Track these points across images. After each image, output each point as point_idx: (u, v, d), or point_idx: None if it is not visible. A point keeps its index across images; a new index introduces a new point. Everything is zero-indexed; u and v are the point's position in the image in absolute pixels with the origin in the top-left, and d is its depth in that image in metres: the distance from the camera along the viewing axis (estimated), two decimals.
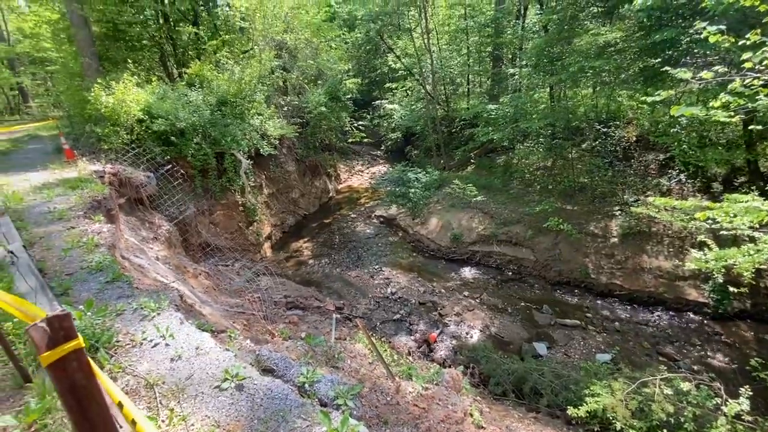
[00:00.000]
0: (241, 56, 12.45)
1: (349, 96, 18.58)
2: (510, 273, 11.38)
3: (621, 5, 7.24)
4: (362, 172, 25.46)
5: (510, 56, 20.10)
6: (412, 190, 13.53)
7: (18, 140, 14.07)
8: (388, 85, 24.39)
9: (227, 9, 13.46)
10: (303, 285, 11.48)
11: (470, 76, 22.43)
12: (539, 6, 12.76)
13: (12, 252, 3.85)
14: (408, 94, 25.50)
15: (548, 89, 14.22)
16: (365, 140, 27.16)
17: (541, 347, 8.11)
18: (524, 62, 10.21)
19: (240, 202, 12.60)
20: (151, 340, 2.77)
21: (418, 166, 17.77)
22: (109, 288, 3.45)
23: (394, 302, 10.22)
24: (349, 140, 24.66)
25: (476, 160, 19.06)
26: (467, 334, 8.81)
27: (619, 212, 11.36)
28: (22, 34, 30.89)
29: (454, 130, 21.26)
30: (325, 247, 14.16)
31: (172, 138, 10.51)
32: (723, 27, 3.62)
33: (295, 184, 16.86)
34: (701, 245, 8.67)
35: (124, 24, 13.11)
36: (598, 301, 9.75)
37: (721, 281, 8.00)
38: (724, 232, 4.56)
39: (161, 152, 10.21)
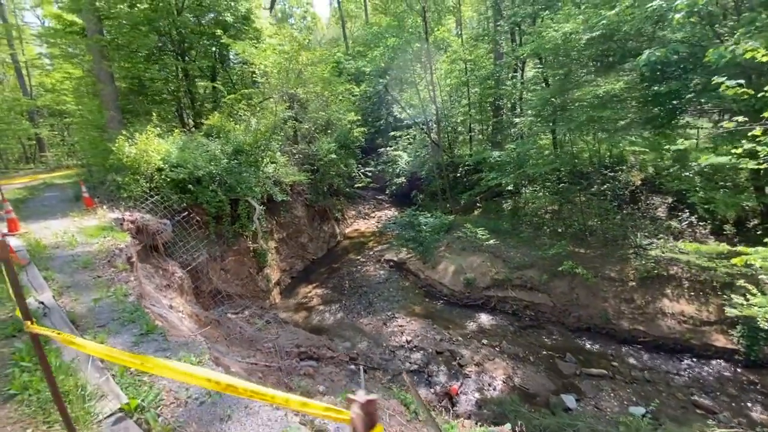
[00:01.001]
0: (258, 108, 13.01)
1: (357, 144, 19.19)
2: (527, 319, 11.08)
3: (623, 61, 7.72)
4: (368, 216, 25.67)
5: (509, 105, 21.01)
6: (423, 234, 13.52)
7: (35, 188, 14.36)
8: (393, 133, 25.30)
9: (244, 66, 14.27)
10: (314, 333, 11.14)
11: (471, 125, 23.32)
12: (539, 60, 13.50)
13: (43, 303, 3.78)
14: (412, 142, 26.41)
15: (551, 136, 14.73)
16: (371, 185, 27.74)
17: (570, 400, 7.70)
18: (529, 111, 10.63)
19: (251, 248, 12.58)
20: (196, 398, 2.64)
21: (425, 210, 17.97)
22: (144, 341, 3.34)
23: (410, 351, 9.86)
24: (356, 185, 25.18)
25: (482, 204, 19.28)
26: (489, 385, 8.40)
27: (634, 255, 11.30)
28: (44, 89, 32.62)
29: (458, 175, 21.76)
30: (335, 293, 13.91)
31: (189, 186, 10.72)
32: (742, 81, 3.82)
33: (304, 229, 16.92)
34: (726, 289, 8.54)
35: (148, 80, 13.89)
36: (623, 348, 9.41)
37: (753, 326, 7.76)
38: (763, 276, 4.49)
39: (178, 199, 10.36)
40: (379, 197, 29.45)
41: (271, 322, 11.50)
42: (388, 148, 27.80)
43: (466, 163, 21.31)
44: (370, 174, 23.89)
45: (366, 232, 21.75)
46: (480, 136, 24.61)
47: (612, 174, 13.73)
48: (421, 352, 9.80)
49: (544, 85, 13.90)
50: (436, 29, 16.23)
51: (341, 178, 20.71)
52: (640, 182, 14.85)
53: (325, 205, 18.81)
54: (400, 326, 11.08)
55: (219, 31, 12.30)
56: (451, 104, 21.62)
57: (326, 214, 19.11)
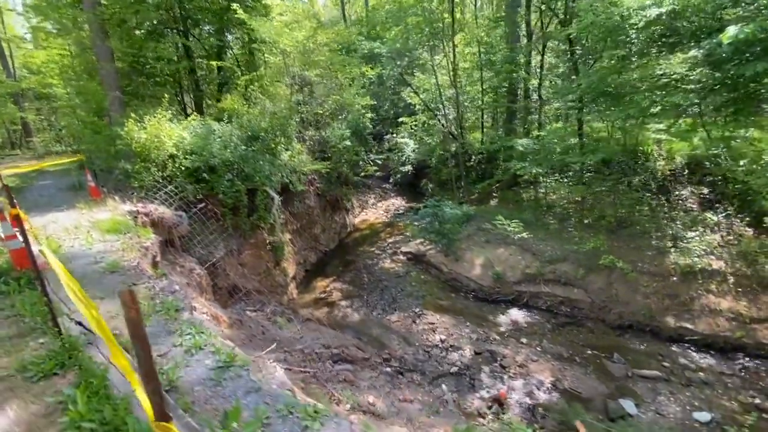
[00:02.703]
0: (271, 90, 12.08)
1: (368, 131, 18.36)
2: (564, 316, 10.60)
3: (694, 40, 7.03)
4: (376, 205, 24.92)
5: (524, 91, 20.24)
6: (447, 226, 12.89)
7: (27, 175, 13.30)
8: (401, 119, 24.41)
9: (254, 45, 13.25)
10: (339, 331, 10.52)
11: (484, 111, 22.57)
12: (569, 43, 12.74)
13: (82, 324, 3.04)
14: (420, 128, 25.56)
15: (583, 123, 14.06)
16: (375, 174, 26.94)
17: (629, 405, 7.24)
18: (569, 96, 9.93)
19: (268, 241, 11.82)
20: None
21: (434, 199, 17.34)
22: (226, 377, 2.65)
23: (446, 351, 9.31)
24: (361, 174, 24.35)
25: (498, 194, 18.70)
26: (538, 388, 7.90)
27: (673, 248, 10.83)
28: (28, 70, 30.85)
29: (470, 164, 21.08)
30: (354, 287, 13.27)
31: (204, 174, 9.86)
32: None
33: (317, 220, 16.17)
34: None
35: (151, 60, 12.82)
36: (672, 347, 8.97)
37: None
38: None
39: (193, 190, 9.52)
40: (384, 186, 28.65)
41: (292, 320, 10.84)
42: (393, 135, 26.98)
43: (481, 150, 20.66)
44: (379, 162, 23.07)
45: (375, 223, 21.06)
46: (492, 123, 23.91)
47: (644, 164, 13.19)
48: (458, 352, 9.26)
49: (572, 70, 13.19)
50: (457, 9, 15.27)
51: (350, 166, 19.90)
52: (668, 172, 14.36)
53: (337, 194, 18.02)
54: (431, 323, 10.51)
55: (235, 5, 11.23)
56: (463, 89, 20.78)
57: (337, 203, 18.35)
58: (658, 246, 11.33)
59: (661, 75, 8.26)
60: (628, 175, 12.71)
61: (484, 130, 23.06)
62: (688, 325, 9.21)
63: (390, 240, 17.70)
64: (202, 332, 3.18)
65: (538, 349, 9.20)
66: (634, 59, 8.24)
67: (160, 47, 11.56)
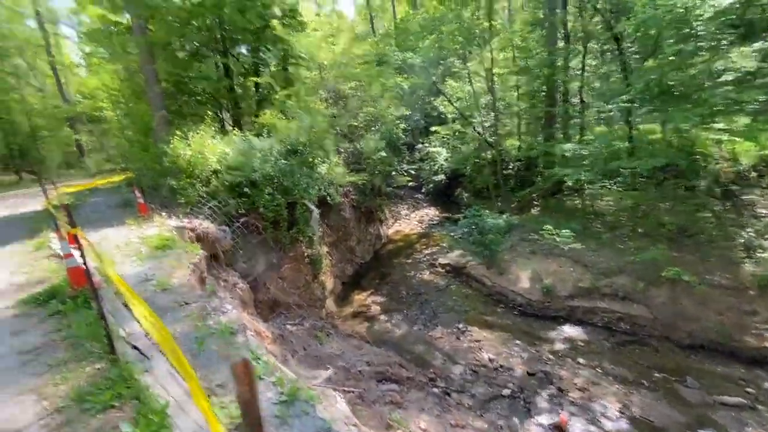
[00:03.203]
0: (307, 104, 12.15)
1: (402, 141, 18.17)
2: (623, 333, 9.75)
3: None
4: (409, 216, 24.59)
5: (562, 95, 19.40)
6: (489, 236, 12.33)
7: (80, 194, 13.99)
8: (433, 128, 24.08)
9: (292, 60, 13.45)
10: (380, 347, 10.18)
11: (521, 116, 21.86)
12: (616, 44, 12.01)
13: (139, 349, 2.89)
14: (453, 137, 25.10)
15: (626, 125, 13.20)
16: (409, 183, 26.62)
17: None
18: (623, 97, 9.24)
19: (307, 254, 11.74)
20: None
21: (473, 209, 16.76)
22: (292, 414, 2.39)
23: (496, 372, 8.73)
24: (394, 185, 24.13)
25: (540, 202, 17.88)
26: (603, 416, 7.18)
27: (748, 259, 9.78)
28: (81, 95, 33.21)
29: (508, 172, 20.37)
30: (392, 301, 12.92)
31: (246, 189, 9.93)
32: None
33: (352, 232, 16.03)
34: None
35: (193, 79, 13.27)
36: (754, 371, 7.97)
37: None
38: None
39: (236, 204, 9.59)
40: (416, 196, 28.28)
41: (332, 335, 10.62)
42: (425, 145, 26.65)
43: (519, 157, 19.95)
44: (412, 172, 22.79)
45: (410, 234, 20.69)
46: (527, 129, 23.12)
47: (704, 167, 12.15)
48: (509, 372, 8.66)
49: (620, 71, 12.44)
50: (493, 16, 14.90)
51: (383, 177, 19.73)
52: (733, 175, 13.17)
53: (371, 205, 17.86)
54: (476, 341, 9.96)
55: (275, 22, 11.44)
56: (500, 95, 20.24)
57: (372, 215, 18.17)
58: (729, 256, 10.30)
59: (731, 70, 7.50)
60: (689, 179, 11.71)
61: (521, 136, 22.33)
62: None
63: (426, 251, 17.28)
64: (260, 358, 2.96)
65: (599, 370, 8.44)
66: (701, 53, 7.52)
67: (202, 67, 11.92)
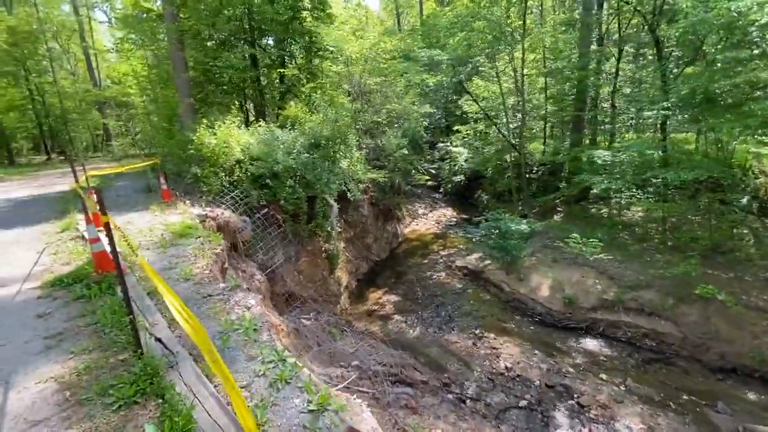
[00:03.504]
0: (333, 97, 12.03)
1: (425, 140, 17.90)
2: (649, 351, 9.34)
3: None
4: (426, 216, 24.31)
5: (593, 99, 18.78)
6: (512, 242, 12.01)
7: (106, 176, 14.24)
8: (456, 128, 23.71)
9: (319, 53, 13.34)
10: (393, 347, 10.01)
11: (548, 119, 21.32)
12: (656, 48, 11.45)
13: (162, 341, 2.79)
14: (476, 137, 24.68)
15: (660, 133, 12.64)
16: (427, 183, 26.35)
17: None
18: (664, 104, 8.79)
19: (324, 249, 11.66)
20: None
21: (495, 213, 16.42)
22: (321, 426, 2.24)
23: (513, 382, 8.47)
24: (413, 183, 23.92)
25: (564, 209, 17.40)
26: None
27: None
28: (111, 80, 34.04)
29: (531, 175, 19.91)
30: (407, 301, 12.74)
31: (268, 181, 9.88)
32: None
33: (370, 229, 15.91)
34: None
35: (221, 68, 13.30)
36: None
37: None
38: None
39: (257, 195, 9.55)
40: (433, 196, 27.98)
41: (346, 332, 10.53)
42: (446, 144, 26.30)
43: (544, 162, 19.45)
44: (432, 171, 22.48)
45: (426, 234, 20.43)
46: (551, 133, 22.54)
47: (742, 180, 11.55)
48: (527, 383, 8.39)
49: (659, 77, 11.87)
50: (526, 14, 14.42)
51: (403, 175, 19.53)
52: None
53: (390, 203, 17.69)
54: (494, 348, 9.70)
55: (304, 14, 11.36)
56: (528, 97, 19.76)
57: (390, 213, 18.00)
58: (766, 277, 9.75)
59: None
60: (726, 192, 11.13)
61: (546, 140, 21.79)
62: None
63: (443, 253, 17.02)
64: (285, 360, 2.82)
65: (622, 388, 8.09)
66: (755, 62, 7.05)
67: (231, 57, 11.93)
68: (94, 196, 8.20)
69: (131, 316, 2.68)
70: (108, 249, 4.46)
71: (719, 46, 7.26)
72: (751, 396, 7.79)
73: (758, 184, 12.66)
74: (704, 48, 9.20)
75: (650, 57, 16.61)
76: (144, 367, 2.51)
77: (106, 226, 2.43)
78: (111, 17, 33.47)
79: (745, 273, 10.09)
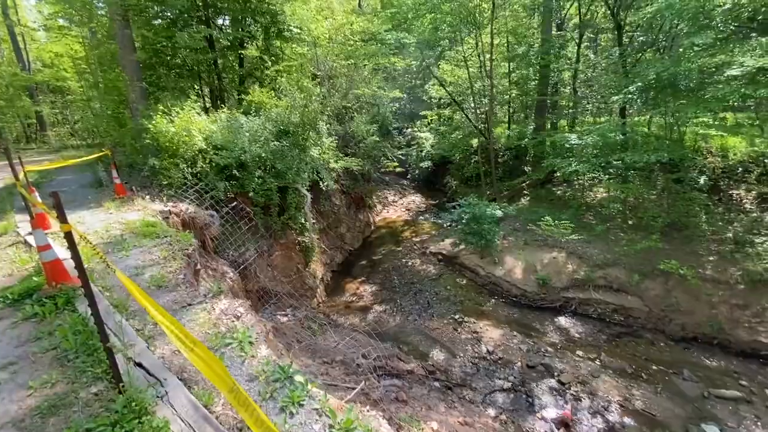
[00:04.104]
0: (303, 81, 11.38)
1: (394, 126, 17.59)
2: (618, 325, 9.84)
3: None
4: (396, 203, 24.20)
5: (553, 84, 19.25)
6: (486, 226, 12.13)
7: (46, 170, 12.78)
8: (423, 113, 23.57)
9: (282, 32, 12.49)
10: (376, 339, 9.87)
11: (512, 104, 21.69)
12: (617, 33, 11.78)
13: (145, 368, 2.38)
14: (442, 123, 24.72)
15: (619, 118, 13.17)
16: (396, 169, 26.14)
17: (714, 431, 6.48)
18: (630, 88, 9.05)
19: (298, 241, 11.19)
20: None
21: (469, 198, 16.59)
22: None
23: (495, 364, 8.61)
24: (381, 170, 23.62)
25: (531, 192, 17.86)
26: (606, 409, 7.18)
27: (739, 254, 9.99)
28: (42, 63, 30.55)
29: (499, 160, 20.24)
30: (385, 290, 12.60)
31: (235, 171, 9.22)
32: None
33: (343, 218, 15.52)
34: None
35: (173, 49, 12.18)
36: (747, 365, 8.17)
37: None
38: None
39: (224, 187, 8.88)
40: (401, 182, 27.92)
41: (325, 326, 10.24)
42: (414, 130, 26.18)
43: (510, 146, 19.81)
44: (400, 157, 22.27)
45: (398, 221, 20.34)
46: (518, 117, 23.01)
47: (693, 161, 12.29)
48: (509, 365, 8.56)
49: (620, 63, 12.26)
50: None
51: (372, 162, 19.17)
52: (720, 171, 13.42)
53: (361, 191, 17.33)
54: (474, 332, 9.81)
55: None
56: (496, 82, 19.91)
57: (362, 201, 17.67)
58: (719, 251, 10.49)
59: (742, 64, 7.38)
60: (681, 172, 11.80)
61: (510, 125, 22.20)
62: (765, 340, 8.40)
63: (416, 239, 17.01)
64: (293, 378, 2.51)
65: (597, 363, 8.46)
66: (717, 46, 7.36)
67: (185, 36, 10.88)
68: (37, 194, 7.23)
69: (103, 336, 2.25)
70: (61, 256, 3.87)
71: (684, 32, 7.50)
72: (711, 362, 8.40)
73: (706, 163, 13.54)
74: (669, 33, 9.53)
75: (607, 42, 17.25)
76: (127, 403, 2.09)
77: (68, 236, 1.98)
78: None
79: (699, 248, 10.80)
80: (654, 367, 8.27)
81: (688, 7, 6.99)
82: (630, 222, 12.94)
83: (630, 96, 9.29)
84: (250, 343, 2.88)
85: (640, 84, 9.08)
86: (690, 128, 12.56)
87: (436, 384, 7.95)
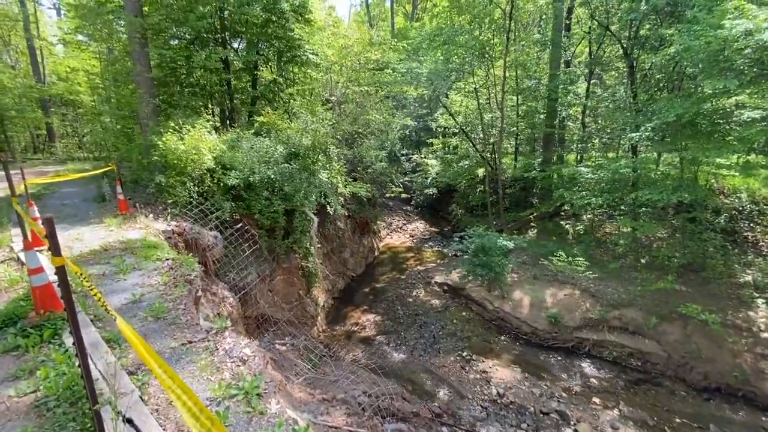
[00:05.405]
0: (315, 105, 11.35)
1: (402, 152, 17.56)
2: (635, 371, 9.31)
3: None
4: (400, 229, 23.90)
5: (560, 119, 19.35)
6: (495, 258, 11.78)
7: (46, 184, 12.58)
8: (431, 141, 23.68)
9: (296, 57, 12.61)
10: (378, 375, 9.33)
11: (519, 137, 21.78)
12: (629, 72, 11.86)
13: (135, 425, 2.01)
14: (449, 151, 24.80)
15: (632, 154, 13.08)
16: (401, 195, 26.02)
17: None
18: (648, 125, 8.95)
19: (301, 266, 10.82)
20: None
21: (465, 227, 16.28)
22: None
23: (507, 410, 8.05)
24: (386, 195, 23.48)
25: (538, 224, 17.60)
26: None
27: (760, 299, 9.58)
28: (57, 77, 31.09)
29: (505, 191, 20.10)
30: (388, 321, 12.11)
31: (242, 192, 8.99)
32: None
33: (347, 243, 15.19)
34: None
35: (188, 69, 12.24)
36: None
37: None
38: None
39: (230, 208, 8.62)
40: (405, 208, 27.73)
41: (325, 358, 9.73)
42: (421, 156, 26.22)
43: (516, 177, 19.72)
44: (409, 183, 22.16)
45: (401, 248, 19.98)
46: (525, 149, 23.08)
47: (705, 201, 12.07)
48: (520, 411, 7.99)
49: (631, 99, 12.29)
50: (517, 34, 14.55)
51: (379, 187, 19.03)
52: (732, 211, 13.18)
53: (367, 216, 17.08)
54: (483, 372, 9.27)
55: (284, 15, 10.61)
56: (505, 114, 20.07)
57: (367, 226, 17.38)
58: (739, 295, 10.09)
59: (761, 108, 7.28)
60: (698, 212, 11.54)
61: (517, 156, 22.23)
62: None
63: (420, 268, 16.61)
64: None
65: (616, 412, 7.90)
66: (738, 90, 7.26)
67: (204, 57, 10.95)
68: (35, 208, 6.95)
69: (89, 384, 1.90)
70: (53, 279, 3.53)
71: (703, 74, 7.44)
72: (737, 416, 7.85)
73: (721, 203, 13.32)
74: (683, 72, 9.53)
75: (614, 79, 17.46)
76: None
77: (60, 270, 1.67)
78: (58, 6, 30.70)
79: (716, 291, 10.40)
80: (677, 420, 7.71)
81: (708, 50, 6.95)
82: (643, 260, 12.58)
83: (648, 134, 9.16)
84: (258, 395, 2.51)
85: (657, 122, 8.97)
86: (703, 168, 12.44)
87: (444, 430, 7.39)
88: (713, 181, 13.83)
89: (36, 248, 4.51)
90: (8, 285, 4.27)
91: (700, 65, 7.58)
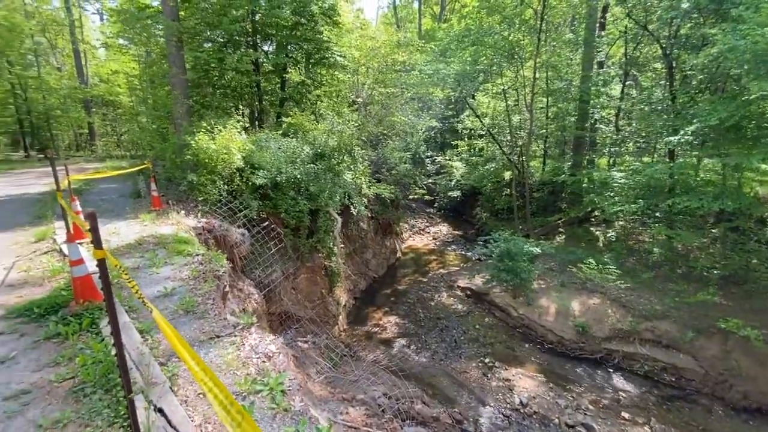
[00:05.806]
0: (342, 107, 11.47)
1: (426, 154, 17.46)
2: (668, 386, 8.85)
3: None
4: (422, 231, 23.77)
5: (593, 120, 18.71)
6: (522, 264, 11.50)
7: (89, 179, 13.26)
8: (456, 142, 23.44)
9: (324, 59, 12.78)
10: (396, 376, 9.28)
11: (548, 139, 21.20)
12: (668, 74, 11.32)
13: (165, 415, 2.07)
14: (474, 153, 24.46)
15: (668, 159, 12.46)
16: (423, 197, 25.87)
17: None
18: (689, 128, 8.49)
19: (324, 265, 10.93)
20: None
21: (489, 230, 15.95)
22: None
23: (531, 420, 7.83)
24: (409, 197, 23.39)
25: (566, 230, 17.07)
26: None
27: None
28: (99, 78, 32.76)
29: (533, 195, 19.62)
30: (409, 323, 12.04)
31: (269, 191, 9.18)
32: None
33: (369, 244, 15.24)
34: None
35: (220, 71, 12.62)
36: None
37: None
38: None
39: (258, 207, 8.81)
40: (428, 210, 27.54)
41: (346, 357, 9.78)
42: (446, 158, 25.97)
43: (545, 181, 19.22)
44: (433, 185, 22.03)
45: (424, 250, 19.84)
46: (554, 152, 22.45)
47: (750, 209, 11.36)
48: (544, 422, 7.76)
49: (669, 101, 11.74)
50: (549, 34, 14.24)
51: (402, 189, 18.99)
52: None
53: (389, 217, 17.07)
54: (506, 380, 9.07)
55: (314, 18, 10.81)
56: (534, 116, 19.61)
57: (389, 227, 17.38)
58: None
59: None
60: (741, 222, 10.88)
61: (546, 159, 21.65)
62: None
63: (442, 271, 16.44)
64: None
65: (647, 429, 7.54)
66: None
67: (236, 59, 11.28)
68: (78, 203, 7.32)
69: (124, 373, 1.97)
70: (91, 271, 3.70)
71: (750, 75, 7.01)
72: None
73: (767, 213, 12.50)
74: (730, 75, 9.02)
75: (650, 81, 16.73)
76: None
77: (101, 263, 1.74)
78: (101, 11, 32.37)
79: (762, 305, 9.76)
80: None
81: (755, 50, 6.53)
82: (679, 271, 11.97)
83: (688, 137, 8.72)
84: (283, 392, 2.54)
85: (697, 125, 8.52)
86: (747, 174, 11.73)
87: None
88: (758, 188, 13.02)
89: (78, 241, 4.74)
90: (51, 275, 4.51)
91: (745, 66, 7.13)
